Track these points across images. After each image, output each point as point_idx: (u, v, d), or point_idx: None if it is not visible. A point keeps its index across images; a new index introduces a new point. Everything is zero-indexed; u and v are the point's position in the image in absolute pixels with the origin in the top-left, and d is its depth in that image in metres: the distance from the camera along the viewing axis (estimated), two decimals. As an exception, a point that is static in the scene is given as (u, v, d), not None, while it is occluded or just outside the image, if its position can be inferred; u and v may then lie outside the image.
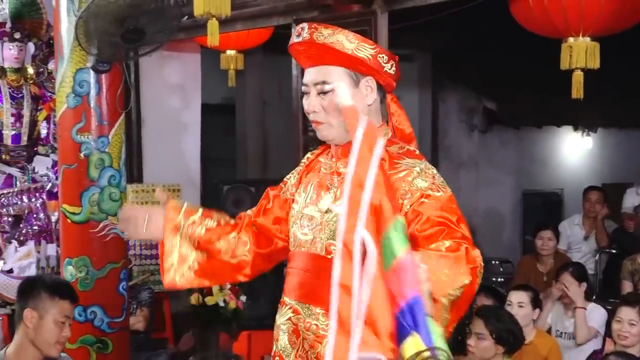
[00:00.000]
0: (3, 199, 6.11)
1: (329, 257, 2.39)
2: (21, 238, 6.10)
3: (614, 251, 6.75)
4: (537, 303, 4.78)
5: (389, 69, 2.45)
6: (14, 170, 6.17)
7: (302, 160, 2.73)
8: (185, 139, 7.51)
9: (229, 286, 5.15)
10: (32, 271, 6.03)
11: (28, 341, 3.14)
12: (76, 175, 4.41)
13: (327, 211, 2.46)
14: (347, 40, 2.35)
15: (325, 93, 2.40)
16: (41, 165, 6.28)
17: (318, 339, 2.43)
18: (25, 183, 6.22)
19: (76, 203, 4.39)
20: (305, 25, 2.40)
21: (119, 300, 4.55)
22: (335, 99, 2.35)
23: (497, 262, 8.66)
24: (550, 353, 4.62)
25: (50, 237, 6.21)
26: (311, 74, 2.43)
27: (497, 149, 10.66)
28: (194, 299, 5.14)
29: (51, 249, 6.19)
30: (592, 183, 7.66)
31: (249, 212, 2.78)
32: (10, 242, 6.00)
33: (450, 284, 2.14)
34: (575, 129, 10.96)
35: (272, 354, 2.64)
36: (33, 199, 6.22)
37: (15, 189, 6.17)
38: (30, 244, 6.11)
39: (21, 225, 6.13)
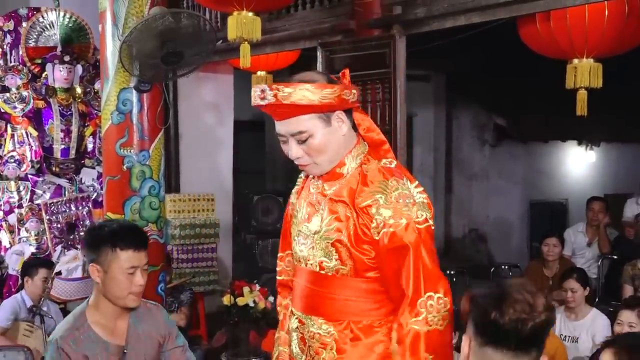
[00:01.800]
0: (53, 207, 6.16)
1: (322, 272, 2.40)
2: (69, 243, 6.14)
3: (615, 257, 6.68)
4: None
5: (353, 98, 2.35)
6: (63, 181, 6.22)
7: (298, 179, 2.70)
8: (218, 152, 7.53)
9: (258, 287, 5.15)
10: (78, 273, 6.08)
11: (102, 296, 2.84)
12: (119, 186, 4.43)
13: (316, 232, 2.42)
14: (310, 93, 2.24)
15: (304, 141, 2.33)
16: (88, 176, 6.34)
17: (322, 345, 2.43)
18: (73, 193, 6.27)
19: (119, 211, 4.41)
20: (265, 87, 2.26)
21: (157, 300, 4.54)
22: (314, 142, 2.31)
23: (506, 267, 8.58)
24: (557, 352, 4.56)
25: (95, 242, 6.25)
26: (285, 126, 2.34)
27: (506, 162, 10.61)
28: (226, 299, 5.13)
29: (96, 253, 6.22)
30: (595, 193, 7.59)
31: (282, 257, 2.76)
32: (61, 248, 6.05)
33: None
34: (580, 143, 10.89)
35: (289, 357, 2.63)
36: (80, 208, 6.27)
37: (64, 198, 6.22)
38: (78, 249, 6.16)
39: (75, 232, 6.20)
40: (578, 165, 10.90)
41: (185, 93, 7.41)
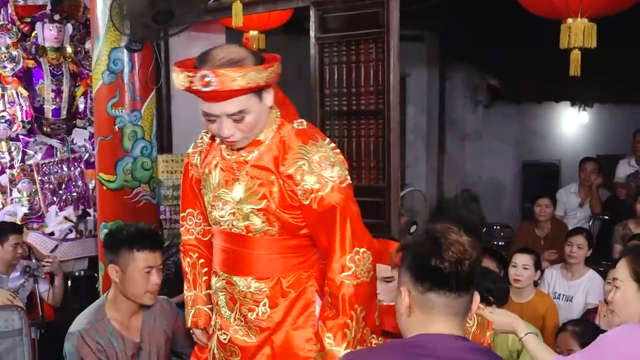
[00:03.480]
0: (45, 168, 6.14)
1: (250, 235, 2.45)
2: (61, 204, 6.13)
3: (606, 217, 6.72)
4: (538, 265, 4.78)
5: (276, 71, 2.33)
6: (54, 142, 6.19)
7: (199, 141, 2.67)
8: (211, 112, 7.49)
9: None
10: (71, 234, 6.09)
11: (120, 294, 3.00)
12: (111, 146, 4.42)
13: (240, 200, 2.44)
14: (257, 75, 2.21)
15: (240, 119, 2.31)
16: (79, 137, 6.31)
17: (255, 303, 2.49)
18: (65, 153, 6.25)
19: (111, 172, 4.41)
20: (208, 73, 2.18)
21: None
22: (249, 119, 2.31)
23: (498, 227, 8.64)
24: (547, 311, 4.61)
25: (87, 202, 6.25)
26: (221, 107, 2.28)
27: (499, 122, 10.60)
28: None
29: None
30: (587, 154, 7.61)
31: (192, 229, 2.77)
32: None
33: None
34: (573, 104, 10.87)
35: (214, 316, 2.68)
36: (72, 168, 6.25)
37: (56, 159, 6.20)
38: (69, 209, 6.15)
39: (61, 192, 6.17)
40: (571, 126, 10.90)
41: (177, 53, 7.31)
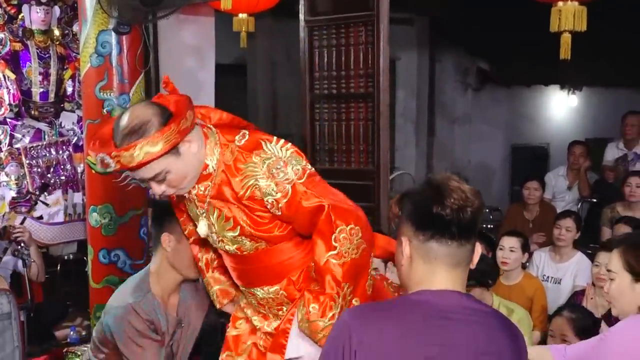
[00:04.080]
0: (33, 151, 6.11)
1: (245, 253, 2.48)
2: (50, 187, 6.10)
3: (594, 200, 6.75)
4: (526, 248, 4.80)
5: (189, 121, 2.26)
6: (42, 125, 6.15)
7: None
8: (200, 96, 7.44)
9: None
10: (60, 218, 6.06)
11: (167, 264, 2.98)
12: (100, 130, 4.39)
13: (219, 231, 2.47)
14: (152, 146, 2.14)
15: (162, 179, 2.29)
16: (67, 120, 6.27)
17: (279, 305, 2.56)
18: (53, 137, 6.21)
19: (100, 155, 4.38)
20: (104, 156, 2.18)
21: (140, 244, 4.57)
22: (172, 177, 2.28)
23: (487, 210, 8.67)
24: (535, 294, 4.64)
25: (76, 186, 6.23)
26: (139, 174, 2.27)
27: (489, 106, 10.62)
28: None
29: (77, 197, 6.21)
30: (576, 138, 7.63)
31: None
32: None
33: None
34: (562, 87, 10.88)
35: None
36: (60, 152, 6.22)
37: (44, 142, 6.16)
38: (58, 193, 6.13)
39: (49, 175, 6.15)
40: (560, 109, 10.92)
41: (166, 35, 7.28)
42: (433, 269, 1.82)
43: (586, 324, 3.49)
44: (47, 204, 5.84)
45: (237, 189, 2.33)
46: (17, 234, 5.17)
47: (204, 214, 2.45)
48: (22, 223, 5.65)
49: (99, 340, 3.05)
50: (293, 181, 2.31)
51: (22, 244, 5.00)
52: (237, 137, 2.38)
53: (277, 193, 2.30)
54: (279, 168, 2.31)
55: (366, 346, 1.74)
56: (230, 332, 2.75)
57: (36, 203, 5.71)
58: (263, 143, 2.35)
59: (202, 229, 2.48)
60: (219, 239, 2.49)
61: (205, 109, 2.49)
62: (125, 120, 2.22)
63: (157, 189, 2.32)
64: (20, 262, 4.98)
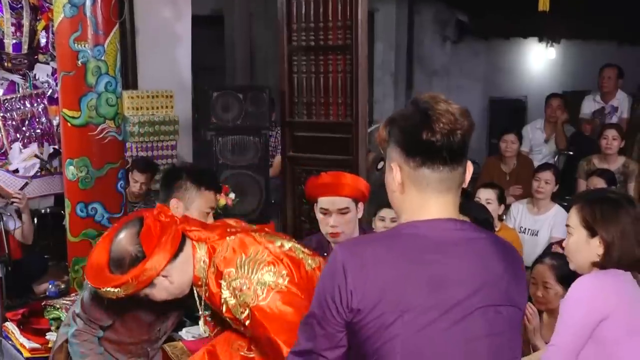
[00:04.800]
0: (7, 104, 6.03)
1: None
2: (25, 140, 6.04)
3: (571, 153, 6.80)
4: (502, 199, 4.84)
5: (163, 258, 2.41)
6: (16, 77, 6.06)
7: None
8: (176, 48, 7.36)
9: (219, 185, 5.15)
10: (36, 171, 6.02)
11: None
12: (75, 82, 4.34)
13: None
14: (117, 292, 2.44)
15: (146, 295, 2.54)
16: (42, 72, 6.18)
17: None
18: (27, 89, 6.13)
19: (75, 108, 4.34)
20: (91, 287, 2.53)
21: (117, 197, 4.56)
22: (151, 296, 2.52)
23: (464, 163, 8.71)
24: (512, 244, 4.69)
25: (52, 139, 6.17)
26: None
27: (467, 58, 10.59)
28: (187, 196, 5.14)
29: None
30: (554, 91, 7.65)
31: None
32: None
33: None
34: (540, 40, 10.86)
35: None
36: (35, 104, 6.14)
37: (18, 95, 6.08)
38: (34, 146, 6.07)
39: (24, 129, 6.08)
40: (538, 62, 10.91)
41: (141, -14, 7.18)
42: (426, 197, 1.79)
43: (567, 271, 3.54)
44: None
45: (217, 302, 2.49)
46: (15, 200, 5.17)
47: (203, 310, 2.65)
48: (21, 189, 5.66)
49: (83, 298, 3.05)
50: (254, 303, 2.39)
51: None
52: (220, 250, 2.49)
53: (240, 314, 2.43)
54: (243, 290, 2.40)
55: (361, 283, 1.71)
56: None
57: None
58: (238, 258, 2.44)
59: (201, 329, 2.74)
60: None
61: (198, 228, 2.55)
62: (114, 245, 2.47)
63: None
64: (4, 219, 5.01)
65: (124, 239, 2.45)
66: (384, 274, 1.71)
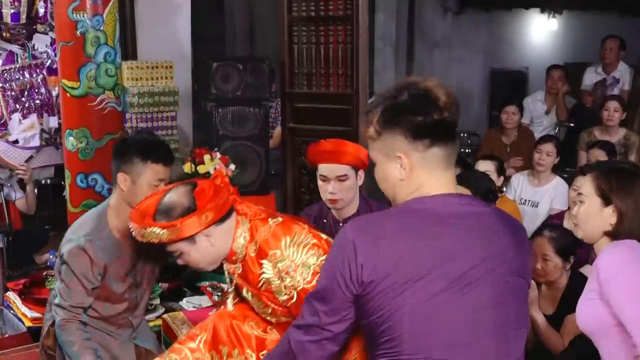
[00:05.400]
0: (6, 74, 6.00)
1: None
2: (24, 111, 6.03)
3: (572, 125, 6.78)
4: (501, 171, 4.83)
5: (206, 220, 2.42)
6: (14, 48, 6.03)
7: None
8: (176, 18, 7.31)
9: (219, 156, 5.15)
10: (35, 142, 6.00)
11: (124, 202, 2.98)
12: (73, 52, 4.31)
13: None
14: (159, 235, 2.41)
15: (179, 255, 2.52)
16: (40, 42, 6.14)
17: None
18: (26, 60, 6.10)
19: (74, 78, 4.32)
20: (136, 231, 2.48)
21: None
22: (189, 257, 2.50)
23: (465, 134, 8.70)
24: (511, 215, 4.69)
25: (51, 110, 6.15)
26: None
27: (468, 30, 10.52)
28: (187, 167, 5.13)
29: (53, 121, 6.14)
30: (555, 62, 7.62)
31: None
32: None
33: None
34: (542, 11, 10.80)
35: None
36: (34, 75, 6.11)
37: (17, 65, 6.05)
38: (33, 117, 6.05)
39: (23, 99, 6.06)
40: (540, 33, 10.86)
41: (140, -45, 7.11)
42: (434, 174, 1.86)
43: (566, 243, 3.56)
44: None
45: (255, 281, 2.50)
46: (20, 172, 5.18)
47: (233, 289, 2.66)
48: (27, 161, 5.67)
49: (56, 268, 3.08)
50: (298, 289, 2.40)
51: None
52: (262, 230, 2.51)
53: (284, 295, 2.44)
54: (290, 273, 2.42)
55: (372, 258, 1.77)
56: None
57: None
58: (283, 240, 2.46)
59: (229, 306, 2.70)
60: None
61: (245, 205, 2.60)
62: (162, 200, 2.51)
63: (182, 262, 2.55)
64: (5, 191, 5.03)
65: (178, 193, 2.50)
66: (394, 248, 1.77)
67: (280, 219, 2.55)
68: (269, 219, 2.54)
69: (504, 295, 1.83)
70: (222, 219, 2.48)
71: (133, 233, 2.50)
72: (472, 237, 1.82)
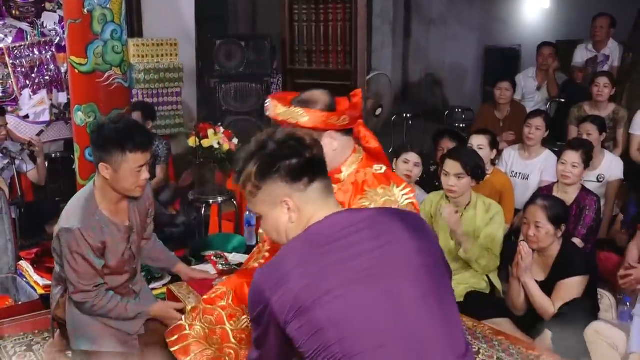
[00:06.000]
0: (16, 51, 5.98)
1: None
2: (34, 87, 6.01)
3: (562, 100, 6.76)
4: (494, 145, 4.83)
5: (342, 122, 2.57)
6: (24, 25, 6.01)
7: None
8: (179, -2, 7.28)
9: (222, 130, 5.14)
10: (45, 117, 6.00)
11: (108, 186, 2.96)
12: (81, 30, 4.29)
13: None
14: (301, 117, 2.51)
15: None
16: (49, 20, 6.12)
17: None
18: (36, 37, 6.07)
19: (82, 55, 4.30)
20: (268, 102, 2.61)
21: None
22: None
23: (459, 110, 8.67)
24: (504, 187, 4.71)
25: (60, 86, 6.14)
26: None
27: (464, 7, 10.44)
28: (191, 141, 5.13)
29: (62, 97, 6.13)
30: (547, 39, 7.56)
31: None
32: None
33: None
34: (535, -11, 10.70)
35: None
36: (43, 52, 6.10)
37: (27, 43, 6.03)
38: (43, 92, 6.04)
39: (33, 75, 6.04)
40: (533, 11, 10.76)
41: None
42: (320, 205, 1.91)
43: (558, 212, 3.57)
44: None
45: (352, 202, 2.58)
46: (32, 148, 5.18)
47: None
48: (38, 135, 5.67)
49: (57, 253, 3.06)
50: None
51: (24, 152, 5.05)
52: (375, 167, 2.65)
53: None
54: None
55: (281, 297, 1.76)
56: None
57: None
58: (392, 184, 2.61)
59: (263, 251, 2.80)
60: None
61: (369, 132, 2.74)
62: (307, 92, 2.63)
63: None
64: (17, 163, 5.03)
65: (321, 91, 2.63)
66: (299, 279, 1.76)
67: (384, 168, 2.66)
68: (374, 166, 2.65)
69: (416, 275, 1.82)
70: (348, 131, 2.63)
71: (272, 109, 2.58)
72: (371, 237, 1.83)
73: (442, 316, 1.82)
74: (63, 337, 3.23)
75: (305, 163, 1.88)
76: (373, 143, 2.74)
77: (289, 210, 1.90)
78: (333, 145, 2.59)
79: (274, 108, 2.56)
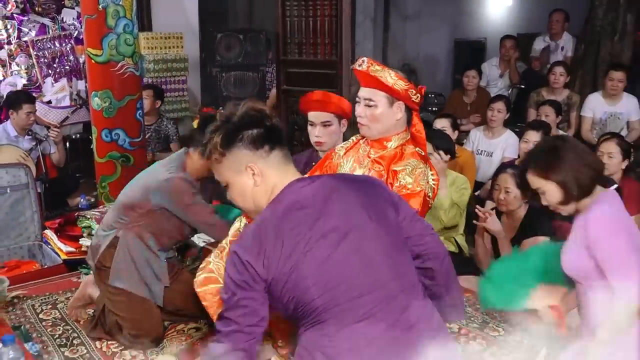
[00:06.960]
0: (39, 44, 5.92)
1: None
2: (56, 76, 5.96)
3: (522, 87, 6.76)
4: (456, 126, 4.81)
5: (415, 99, 2.60)
6: (46, 20, 5.94)
7: (352, 138, 2.87)
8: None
9: (224, 113, 5.11)
10: (66, 102, 5.95)
11: (194, 169, 3.01)
12: (97, 24, 4.26)
13: None
14: (390, 77, 2.55)
15: (369, 107, 2.61)
16: (68, 15, 6.05)
17: None
18: (56, 31, 6.01)
19: (98, 47, 4.27)
20: (365, 59, 2.61)
21: (137, 124, 4.53)
22: (375, 111, 2.60)
23: (432, 95, 8.65)
24: (465, 162, 4.70)
25: (79, 74, 6.08)
26: (363, 92, 2.64)
27: (436, 4, 10.37)
28: (196, 124, 5.09)
29: (81, 84, 6.08)
30: (510, 33, 7.53)
31: None
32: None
33: None
34: (499, -12, 10.63)
35: None
36: (63, 44, 6.03)
37: (49, 36, 5.96)
38: (64, 81, 5.98)
39: (55, 65, 5.98)
40: (497, 7, 10.71)
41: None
42: (282, 171, 1.87)
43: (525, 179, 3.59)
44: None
45: (395, 164, 2.62)
46: (53, 134, 5.14)
47: (362, 167, 2.69)
48: (61, 123, 5.63)
49: (132, 204, 3.02)
50: (422, 191, 2.56)
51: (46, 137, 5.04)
52: (418, 148, 2.69)
53: (409, 184, 2.56)
54: (424, 178, 2.59)
55: (261, 262, 1.73)
56: None
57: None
58: (424, 165, 2.63)
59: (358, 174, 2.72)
60: None
61: (421, 123, 2.74)
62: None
63: (360, 110, 2.65)
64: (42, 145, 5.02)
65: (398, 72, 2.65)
66: (274, 246, 1.73)
67: (423, 153, 2.69)
68: (417, 147, 2.68)
69: (374, 229, 1.81)
70: (409, 112, 2.65)
71: (365, 64, 2.59)
72: (333, 201, 1.80)
73: (398, 262, 1.84)
74: (101, 280, 3.14)
75: (266, 132, 1.84)
76: (421, 134, 2.74)
77: (254, 175, 1.85)
78: (397, 115, 2.62)
79: (370, 65, 2.58)
